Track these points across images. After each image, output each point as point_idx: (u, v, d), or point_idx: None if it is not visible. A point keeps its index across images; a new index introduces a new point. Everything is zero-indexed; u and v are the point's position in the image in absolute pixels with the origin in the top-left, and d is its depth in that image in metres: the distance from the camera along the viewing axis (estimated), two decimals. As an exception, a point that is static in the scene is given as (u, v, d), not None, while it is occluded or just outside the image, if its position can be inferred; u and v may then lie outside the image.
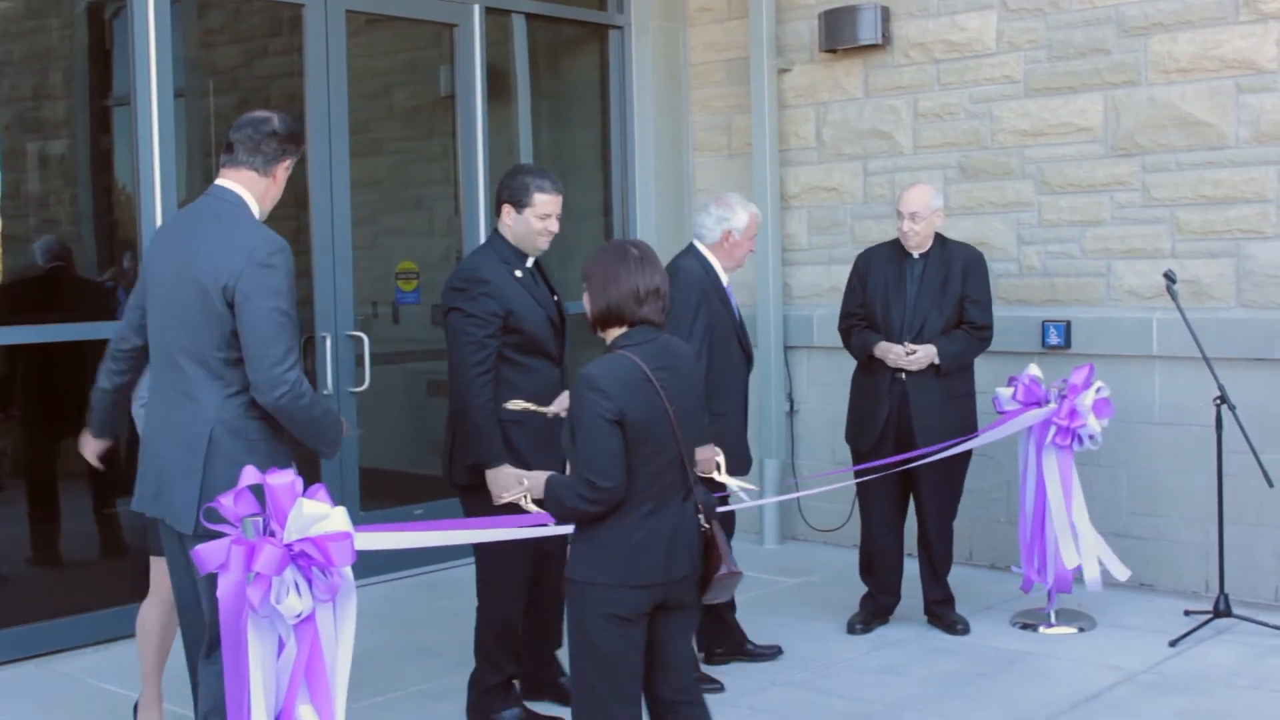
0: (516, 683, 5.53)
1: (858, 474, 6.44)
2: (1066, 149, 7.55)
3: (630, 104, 9.00)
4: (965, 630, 6.57)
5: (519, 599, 5.45)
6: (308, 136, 7.29)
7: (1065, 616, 6.68)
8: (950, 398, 6.52)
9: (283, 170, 4.39)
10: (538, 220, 5.33)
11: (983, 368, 7.09)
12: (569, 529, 4.14)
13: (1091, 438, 6.52)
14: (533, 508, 4.90)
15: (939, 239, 6.59)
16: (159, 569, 5.13)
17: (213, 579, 3.90)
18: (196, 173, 7.41)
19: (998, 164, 7.81)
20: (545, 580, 5.60)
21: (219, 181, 4.37)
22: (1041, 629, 6.60)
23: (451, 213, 8.39)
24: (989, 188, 7.84)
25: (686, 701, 4.13)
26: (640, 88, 8.98)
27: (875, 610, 6.68)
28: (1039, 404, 6.54)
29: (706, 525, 4.03)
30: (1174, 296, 6.57)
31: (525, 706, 5.49)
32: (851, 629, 6.59)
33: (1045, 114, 7.61)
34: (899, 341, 6.44)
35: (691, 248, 6.04)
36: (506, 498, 4.75)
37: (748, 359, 6.06)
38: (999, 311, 7.60)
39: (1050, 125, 7.59)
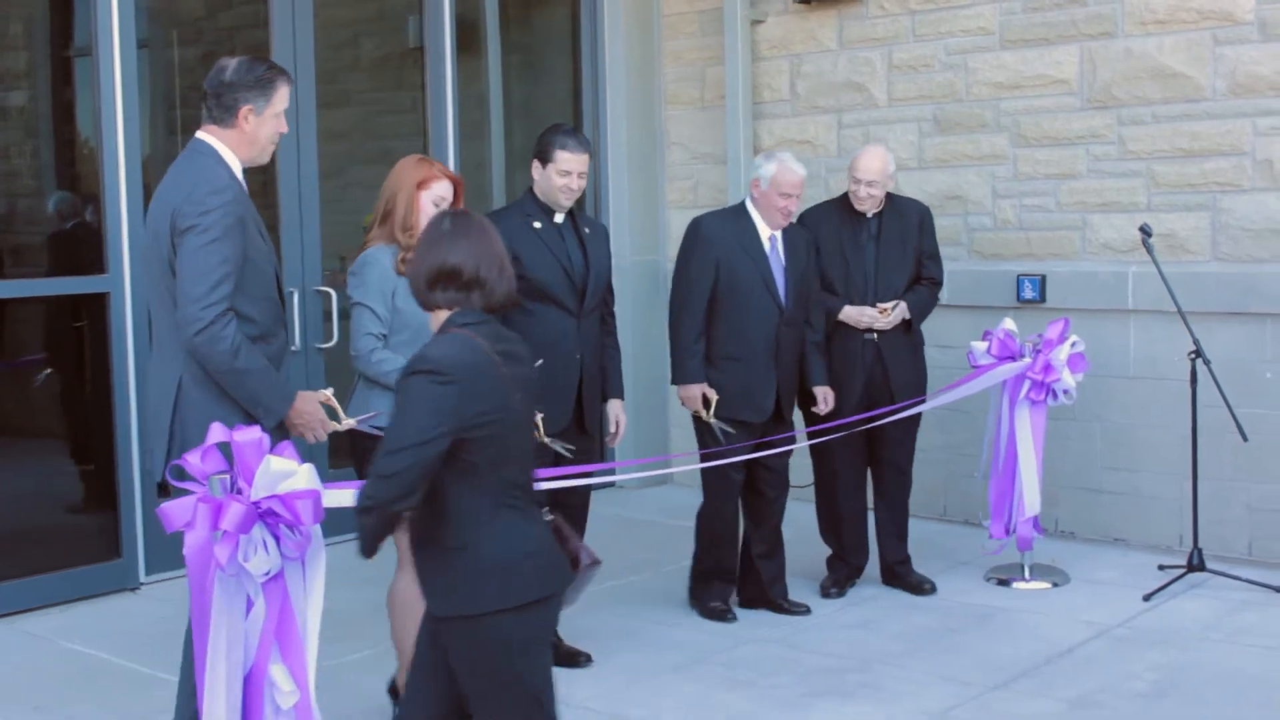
0: None
1: (833, 431, 6.44)
2: (1042, 101, 7.55)
3: (602, 56, 8.95)
4: (933, 589, 6.58)
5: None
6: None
7: (1039, 571, 6.72)
8: (912, 351, 6.60)
9: (246, 117, 4.33)
10: (559, 177, 5.53)
11: (957, 321, 7.13)
12: (616, 477, 4.10)
13: (1066, 392, 6.55)
14: (545, 439, 5.17)
15: (887, 195, 6.57)
16: (403, 539, 5.01)
17: None
18: (159, 125, 7.36)
19: (973, 116, 7.80)
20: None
21: (197, 133, 4.39)
22: (1015, 584, 6.64)
23: (420, 166, 8.34)
24: (964, 140, 7.84)
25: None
26: (612, 39, 8.93)
27: (848, 571, 6.70)
28: (1014, 358, 6.56)
29: (550, 518, 3.67)
30: (1150, 250, 6.58)
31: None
32: (826, 593, 6.57)
33: (1021, 66, 7.60)
34: (864, 304, 6.43)
35: (741, 200, 6.39)
36: None
37: (780, 310, 6.18)
38: (973, 265, 7.62)
39: (1026, 77, 7.59)
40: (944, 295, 7.47)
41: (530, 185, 5.67)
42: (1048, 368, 6.47)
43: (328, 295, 7.42)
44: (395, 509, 3.35)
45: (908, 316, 6.46)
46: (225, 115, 4.34)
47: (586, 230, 5.72)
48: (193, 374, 4.23)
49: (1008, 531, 6.66)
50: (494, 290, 3.51)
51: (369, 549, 3.45)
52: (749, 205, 6.29)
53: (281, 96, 4.40)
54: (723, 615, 6.25)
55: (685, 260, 6.20)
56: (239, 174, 4.36)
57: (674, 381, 6.17)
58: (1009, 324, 6.67)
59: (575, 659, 5.62)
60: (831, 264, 6.46)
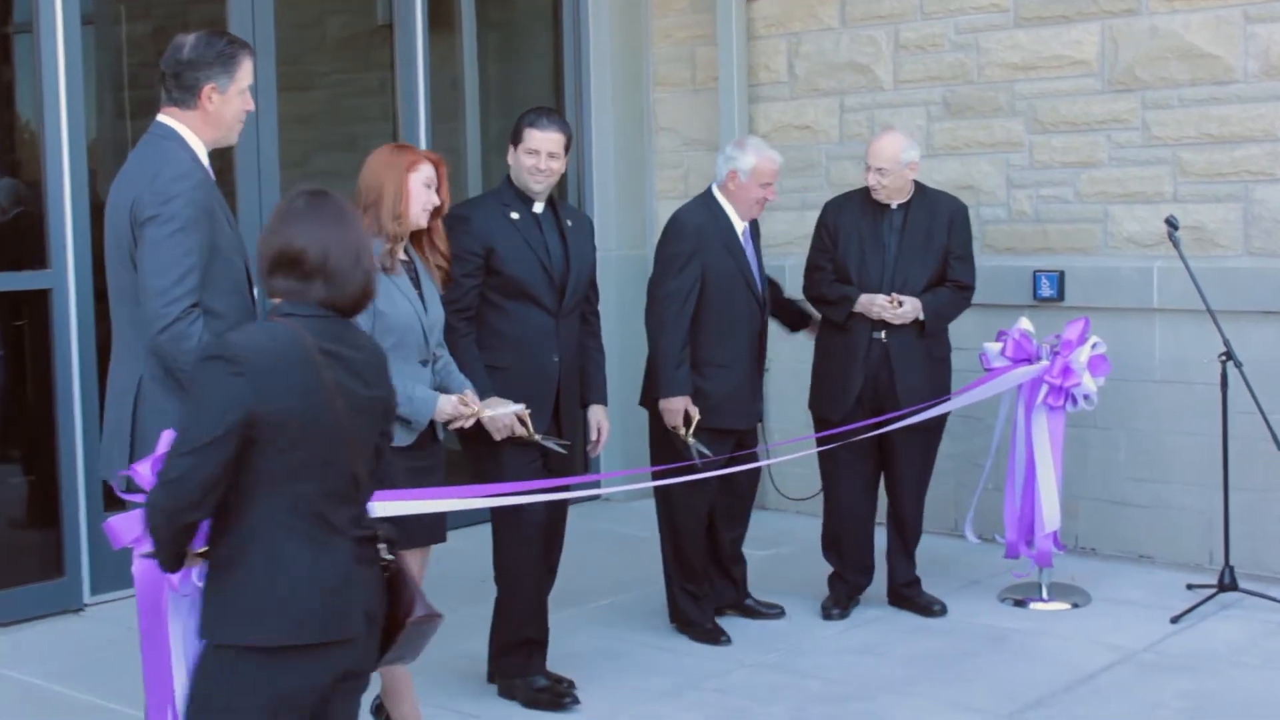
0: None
1: (833, 439, 6.39)
2: (1060, 84, 7.51)
3: (585, 34, 8.92)
4: (943, 611, 6.54)
5: (537, 552, 5.52)
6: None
7: (1058, 591, 6.68)
8: (932, 359, 6.49)
9: (210, 97, 4.26)
10: (526, 156, 5.47)
11: (968, 322, 7.07)
12: (599, 490, 3.98)
13: (1086, 397, 6.52)
14: (535, 435, 5.22)
15: (919, 187, 6.53)
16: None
17: None
18: (107, 107, 7.30)
19: (985, 100, 7.76)
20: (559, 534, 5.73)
21: (157, 116, 4.35)
22: (1032, 605, 6.60)
23: (390, 153, 8.30)
24: (975, 126, 7.80)
25: None
26: (596, 16, 8.90)
27: (849, 591, 6.64)
28: (1030, 361, 6.53)
29: (389, 558, 3.33)
30: (1176, 244, 6.55)
31: (549, 674, 5.58)
32: (827, 614, 6.51)
33: (1037, 45, 7.57)
34: None
35: (707, 191, 6.31)
36: (502, 430, 5.14)
37: (760, 308, 6.26)
38: (986, 261, 7.57)
39: (1042, 58, 7.55)
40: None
41: (508, 173, 5.61)
42: (1066, 371, 6.44)
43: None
44: (182, 520, 3.13)
45: (921, 317, 6.37)
46: (186, 96, 4.28)
47: (569, 222, 5.65)
48: (153, 375, 4.18)
49: (1025, 548, 6.62)
50: (343, 285, 3.26)
51: (165, 563, 3.23)
52: (718, 195, 6.24)
53: (246, 71, 4.34)
54: (715, 638, 6.20)
55: (671, 260, 6.11)
56: (204, 158, 4.31)
57: (659, 395, 6.07)
58: (1025, 324, 6.64)
59: (558, 698, 5.52)
60: (848, 255, 6.43)
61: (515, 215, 5.49)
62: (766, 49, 8.54)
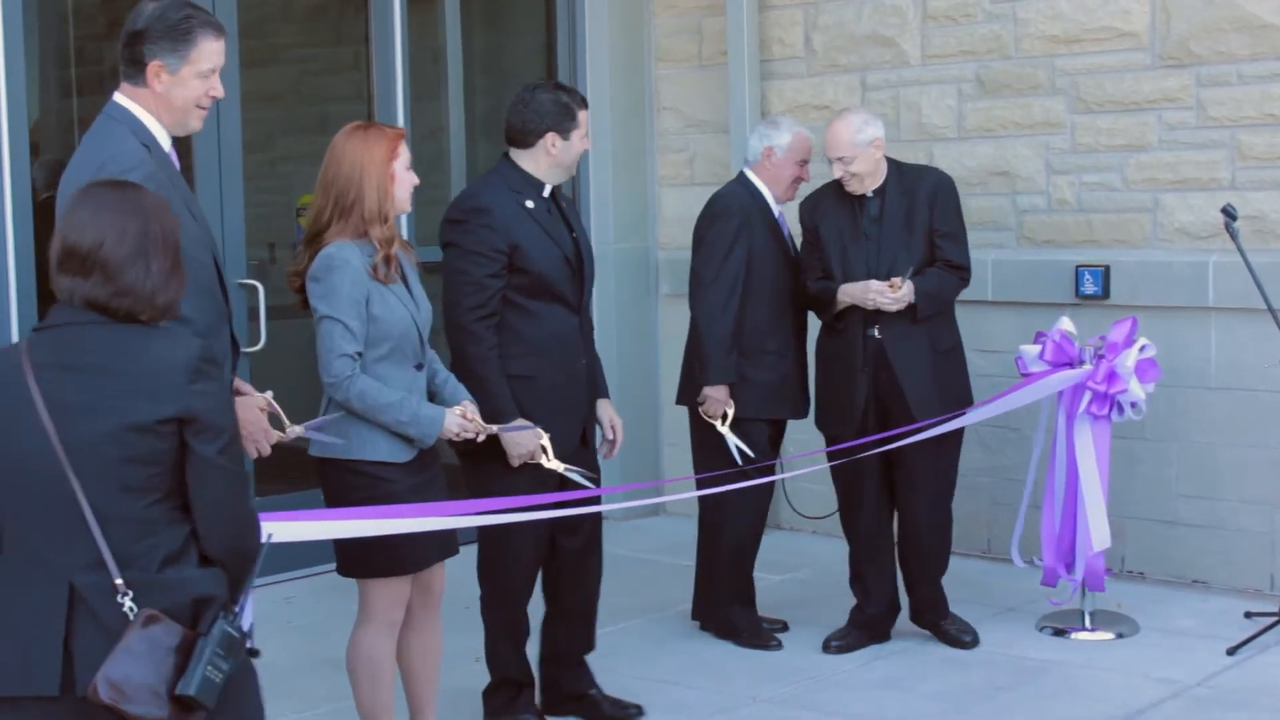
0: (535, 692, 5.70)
1: (844, 454, 6.38)
2: (1106, 58, 7.56)
3: (580, 2, 8.94)
4: (975, 642, 6.56)
5: (525, 588, 5.59)
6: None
7: (1103, 619, 6.72)
8: (937, 351, 6.46)
9: (158, 74, 4.25)
10: (582, 141, 5.51)
11: (1003, 321, 7.12)
12: (598, 506, 3.97)
13: (1134, 405, 6.54)
14: (557, 464, 5.23)
15: (894, 166, 6.51)
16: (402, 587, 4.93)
17: None
18: (51, 86, 7.34)
19: (1023, 76, 7.81)
20: (567, 568, 5.70)
21: (114, 94, 4.36)
22: (1074, 634, 6.64)
23: (364, 135, 8.34)
24: (1012, 105, 7.85)
25: None
26: (592, -17, 8.94)
27: (871, 630, 6.62)
28: (1071, 365, 6.55)
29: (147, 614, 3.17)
30: (1234, 236, 6.59)
31: (542, 718, 5.66)
32: (826, 646, 6.54)
33: (1080, 16, 7.61)
34: None
35: (740, 174, 6.70)
36: (523, 457, 5.19)
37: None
38: (1024, 255, 7.61)
39: (1086, 29, 7.59)
40: (988, 290, 7.50)
41: (506, 153, 5.57)
42: (1112, 376, 6.47)
43: (254, 289, 7.40)
44: None
45: (913, 299, 6.28)
46: (134, 72, 4.30)
47: (563, 205, 5.66)
48: None
49: (1066, 571, 6.65)
50: (133, 284, 3.29)
51: None
52: (752, 176, 6.59)
53: (206, 52, 4.29)
54: (768, 641, 6.55)
55: (715, 242, 6.46)
56: (164, 142, 4.31)
57: (706, 382, 6.39)
58: (1066, 324, 6.67)
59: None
60: (831, 254, 6.45)
61: (530, 204, 5.46)
62: (781, 20, 8.59)
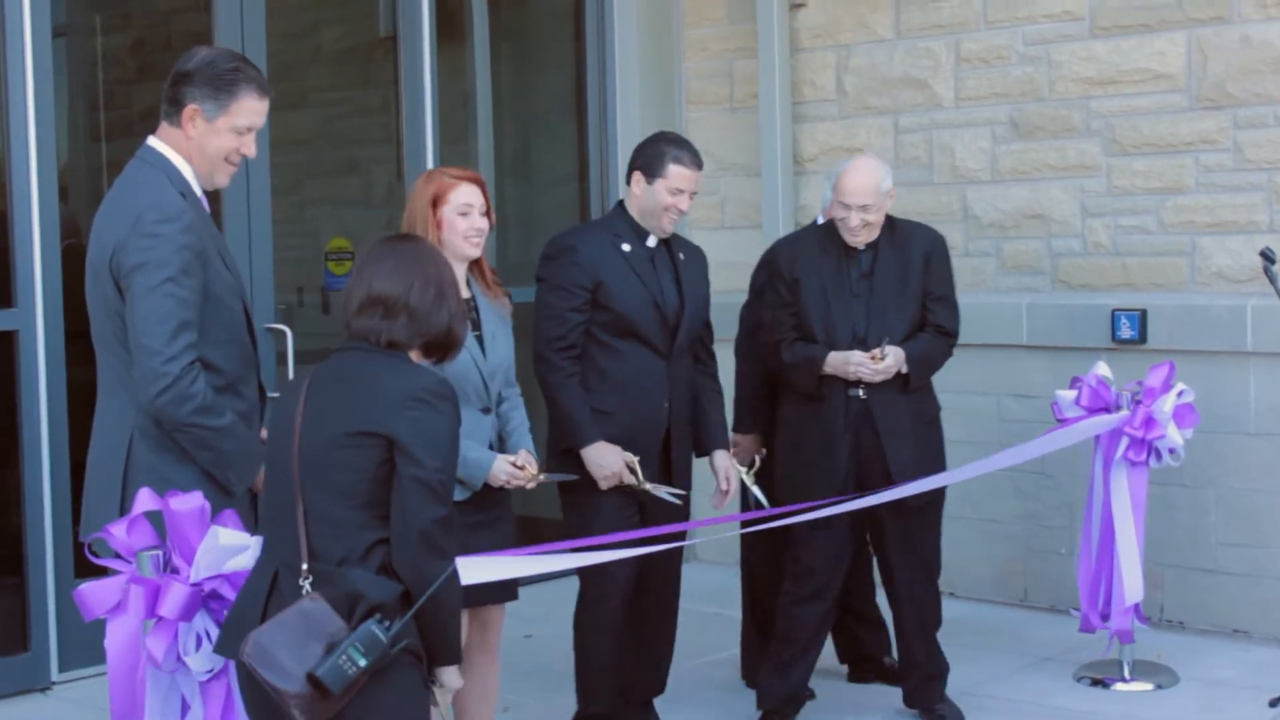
0: None
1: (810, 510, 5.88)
2: (1142, 100, 7.55)
3: (610, 44, 8.97)
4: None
5: (615, 618, 5.72)
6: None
7: (1142, 670, 6.68)
8: (922, 422, 6.14)
9: (192, 119, 4.28)
10: (668, 195, 5.67)
11: (1039, 366, 7.09)
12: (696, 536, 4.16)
13: (1171, 451, 6.52)
14: (646, 485, 5.42)
15: (886, 220, 6.14)
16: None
17: None
18: (80, 130, 7.38)
19: (1058, 119, 7.81)
20: (650, 600, 5.85)
21: (149, 138, 4.40)
22: (1113, 685, 6.60)
23: (393, 177, 8.36)
24: (1047, 148, 7.84)
25: None
26: (623, 24, 8.95)
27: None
28: (1108, 410, 6.54)
29: None
30: (1273, 280, 6.56)
31: None
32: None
33: (1116, 58, 7.61)
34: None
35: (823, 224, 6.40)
36: (609, 479, 5.39)
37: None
38: (1059, 299, 7.59)
39: (1122, 71, 7.60)
40: (1023, 334, 7.50)
41: (620, 201, 5.84)
42: (1149, 422, 6.45)
43: (282, 334, 7.42)
44: None
45: (904, 369, 5.97)
46: (173, 111, 4.33)
47: (681, 256, 5.86)
48: (145, 431, 4.22)
49: (1103, 621, 6.62)
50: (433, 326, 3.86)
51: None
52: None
53: (247, 108, 4.33)
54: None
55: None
56: (196, 187, 4.35)
57: (735, 429, 6.38)
58: (1102, 369, 6.66)
59: None
60: (810, 308, 6.05)
61: (627, 247, 5.71)
62: (812, 62, 8.61)
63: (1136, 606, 6.58)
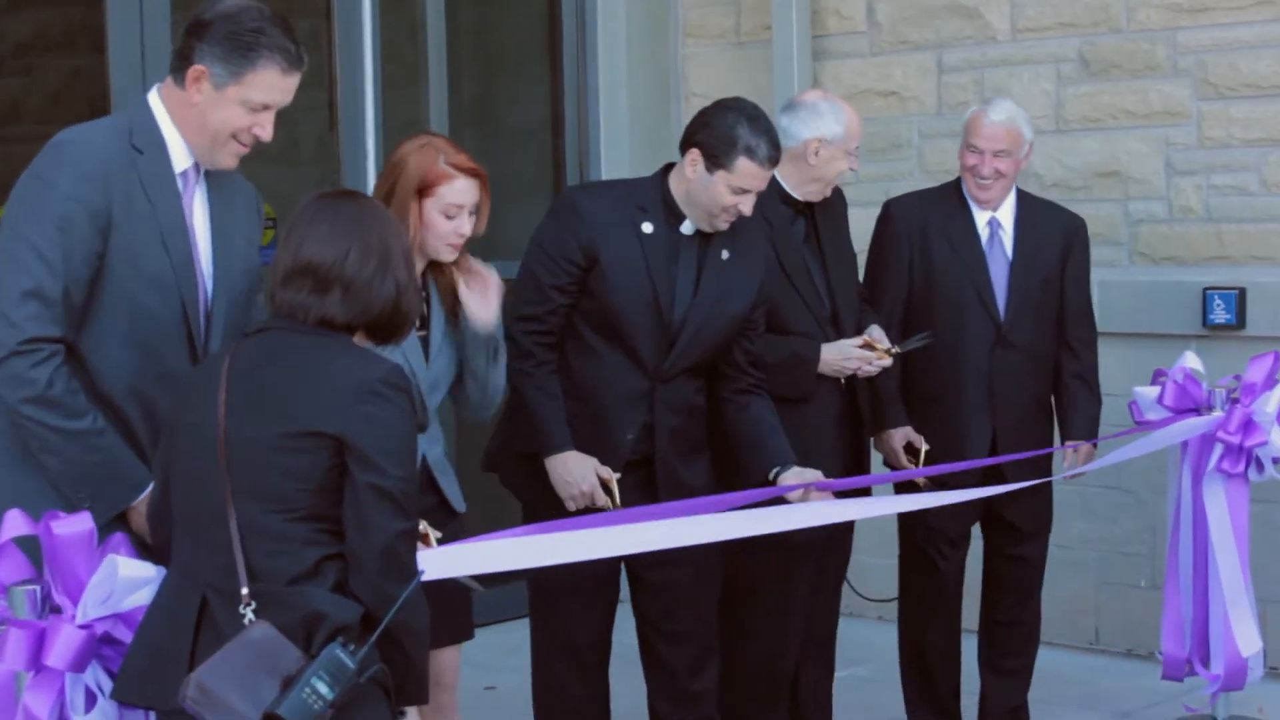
0: None
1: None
2: (1239, 32, 7.55)
3: (590, -33, 8.99)
4: None
5: (573, 695, 5.63)
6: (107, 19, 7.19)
7: (1239, 726, 6.70)
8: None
9: (197, 82, 4.17)
10: (729, 194, 5.35)
11: (1114, 356, 7.09)
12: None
13: (1275, 461, 6.52)
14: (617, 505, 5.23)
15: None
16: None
17: None
18: None
19: (1137, 55, 7.81)
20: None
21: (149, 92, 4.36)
22: (1205, 743, 6.62)
23: (324, 129, 8.36)
24: (1124, 90, 7.84)
25: None
26: (605, -58, 8.97)
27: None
28: (1198, 411, 6.53)
29: None
30: (1399, 251, 6.58)
31: None
32: None
33: (1208, -19, 7.62)
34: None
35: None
36: (577, 499, 5.25)
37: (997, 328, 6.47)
38: (1139, 275, 7.63)
39: (1215, -2, 7.61)
40: (1096, 318, 7.48)
41: (668, 166, 5.59)
42: (1249, 425, 6.44)
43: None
44: None
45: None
46: (179, 67, 4.22)
47: (725, 255, 5.57)
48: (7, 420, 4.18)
49: (1201, 664, 6.61)
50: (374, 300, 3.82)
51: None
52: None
53: (262, 82, 4.21)
54: None
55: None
56: (179, 162, 4.26)
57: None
58: (1191, 360, 6.64)
59: None
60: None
61: (648, 228, 5.43)
62: (837, -13, 8.62)
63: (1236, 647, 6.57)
